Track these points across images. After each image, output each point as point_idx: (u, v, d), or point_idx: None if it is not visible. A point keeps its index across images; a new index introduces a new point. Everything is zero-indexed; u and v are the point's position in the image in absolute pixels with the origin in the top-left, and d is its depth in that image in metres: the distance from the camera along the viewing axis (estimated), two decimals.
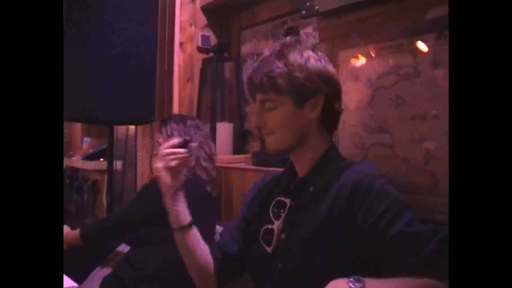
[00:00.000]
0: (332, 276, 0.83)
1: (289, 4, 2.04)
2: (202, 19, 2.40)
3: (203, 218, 1.48)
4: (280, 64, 0.98)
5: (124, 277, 1.57)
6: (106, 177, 2.15)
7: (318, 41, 1.56)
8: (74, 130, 3.45)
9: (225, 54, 2.32)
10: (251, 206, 1.14)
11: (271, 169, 1.21)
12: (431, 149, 1.19)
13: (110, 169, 2.09)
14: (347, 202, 0.93)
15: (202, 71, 2.35)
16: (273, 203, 1.08)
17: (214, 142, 1.90)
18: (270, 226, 1.06)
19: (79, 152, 3.15)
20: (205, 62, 2.35)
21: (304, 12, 1.49)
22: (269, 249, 1.04)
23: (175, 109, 2.28)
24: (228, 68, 2.41)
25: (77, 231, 1.70)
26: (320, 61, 1.00)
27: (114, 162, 2.15)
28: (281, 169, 1.16)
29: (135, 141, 2.54)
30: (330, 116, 1.03)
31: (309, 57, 0.99)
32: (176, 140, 1.04)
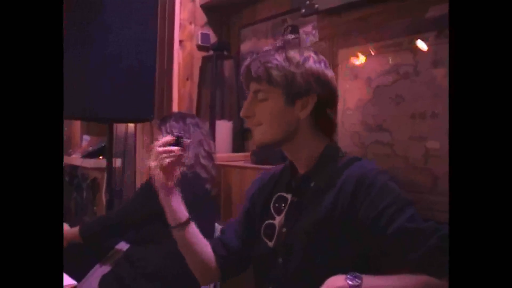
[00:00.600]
0: (332, 272, 0.83)
1: (289, 2, 2.04)
2: (201, 17, 2.39)
3: (203, 216, 1.48)
4: (279, 57, 0.99)
5: (123, 275, 1.57)
6: (105, 175, 2.15)
7: (318, 39, 1.55)
8: (74, 128, 3.45)
9: (225, 52, 2.32)
10: (253, 201, 1.15)
11: (270, 167, 1.21)
12: (430, 147, 1.19)
13: (110, 167, 2.09)
14: (351, 197, 0.94)
15: (202, 69, 2.35)
16: (274, 198, 1.09)
17: (214, 140, 1.91)
18: (271, 221, 1.06)
19: (79, 150, 3.15)
20: (204, 60, 2.35)
21: (303, 10, 1.49)
22: (270, 244, 1.05)
23: (175, 107, 2.28)
24: (227, 66, 2.41)
25: (76, 229, 1.70)
26: (319, 63, 1.01)
27: (114, 160, 2.15)
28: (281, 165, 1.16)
29: (135, 139, 2.54)
30: (323, 119, 1.03)
31: (309, 57, 1.00)
32: (168, 138, 1.03)
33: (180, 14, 2.30)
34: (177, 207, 1.06)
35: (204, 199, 1.69)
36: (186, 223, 1.06)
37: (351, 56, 1.41)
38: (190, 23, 2.35)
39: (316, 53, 1.03)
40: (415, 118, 1.23)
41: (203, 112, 2.30)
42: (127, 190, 2.56)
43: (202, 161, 1.70)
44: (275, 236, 1.04)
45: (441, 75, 1.17)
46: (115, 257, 1.78)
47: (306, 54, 1.01)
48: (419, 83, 1.22)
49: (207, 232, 1.19)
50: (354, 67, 1.40)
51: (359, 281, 0.81)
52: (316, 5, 1.45)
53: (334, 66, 1.40)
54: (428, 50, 1.21)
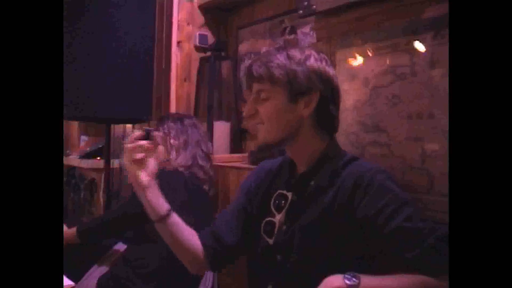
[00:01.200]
0: (331, 270, 0.84)
1: (287, 3, 2.04)
2: (199, 18, 2.40)
3: (200, 217, 1.48)
4: (280, 56, 1.00)
5: (121, 275, 1.57)
6: (103, 175, 2.15)
7: (315, 40, 1.56)
8: (71, 129, 3.44)
9: (223, 53, 2.32)
10: (249, 196, 1.14)
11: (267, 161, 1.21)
12: (427, 148, 1.20)
13: (107, 167, 2.08)
14: (349, 196, 0.94)
15: (200, 70, 2.35)
16: (274, 196, 1.09)
17: (212, 141, 1.91)
18: (271, 219, 1.07)
19: (76, 150, 3.14)
20: (202, 61, 2.35)
21: (301, 11, 1.50)
22: (270, 241, 1.05)
23: (172, 108, 2.29)
24: (225, 67, 2.41)
25: (73, 230, 1.69)
26: (321, 61, 1.01)
27: (111, 160, 2.14)
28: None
29: None
30: (325, 117, 1.03)
31: (310, 55, 1.01)
32: (137, 133, 1.03)
33: (178, 14, 2.31)
34: (155, 201, 1.04)
35: (202, 199, 1.69)
36: (167, 215, 1.04)
37: (348, 57, 1.41)
38: (188, 24, 2.36)
39: (317, 51, 1.04)
40: (412, 118, 1.24)
41: (201, 112, 2.30)
42: (124, 190, 2.56)
43: (200, 161, 1.70)
44: (275, 233, 1.05)
45: (438, 75, 1.17)
46: (113, 258, 1.78)
47: (307, 52, 1.01)
48: (416, 84, 1.23)
49: None
50: (352, 68, 1.40)
51: (357, 281, 0.81)
52: (314, 6, 1.45)
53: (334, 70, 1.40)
54: (425, 51, 1.22)
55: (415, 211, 0.90)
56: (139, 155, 1.00)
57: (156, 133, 1.03)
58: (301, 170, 1.06)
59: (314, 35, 1.64)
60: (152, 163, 1.03)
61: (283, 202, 1.06)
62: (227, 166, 1.95)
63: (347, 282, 0.81)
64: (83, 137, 3.19)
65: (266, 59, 1.00)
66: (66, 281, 1.19)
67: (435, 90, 1.18)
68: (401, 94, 1.26)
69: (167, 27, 2.29)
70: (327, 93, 1.01)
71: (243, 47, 2.37)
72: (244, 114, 1.05)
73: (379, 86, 1.32)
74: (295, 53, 1.00)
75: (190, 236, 1.09)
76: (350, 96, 1.40)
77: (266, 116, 1.01)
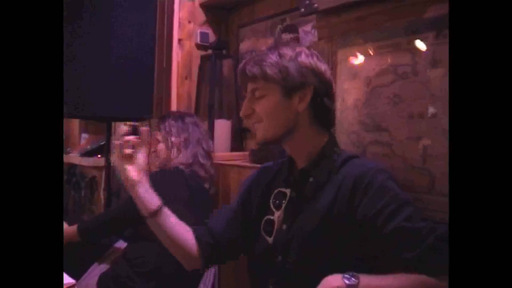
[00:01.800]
0: (330, 270, 0.84)
1: (288, 1, 2.04)
2: (201, 16, 2.39)
3: (201, 215, 1.49)
4: (272, 55, 1.01)
5: (121, 273, 1.57)
6: (103, 173, 2.15)
7: (316, 39, 1.56)
8: (72, 127, 3.45)
9: (224, 51, 2.32)
10: (250, 194, 1.15)
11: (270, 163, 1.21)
12: (428, 147, 1.20)
13: (108, 165, 2.08)
14: (349, 196, 0.95)
15: (201, 68, 2.35)
16: (274, 194, 1.09)
17: (212, 139, 1.90)
18: (270, 217, 1.07)
19: (77, 148, 3.14)
20: (203, 59, 2.35)
21: (302, 10, 1.49)
22: (270, 240, 1.05)
23: (173, 106, 2.28)
24: (226, 65, 2.41)
25: (74, 227, 1.69)
26: (312, 56, 1.03)
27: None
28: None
29: None
30: (321, 111, 1.04)
31: (301, 52, 1.03)
32: (124, 129, 1.03)
33: (179, 12, 2.30)
34: (146, 196, 1.04)
35: (203, 197, 1.69)
36: (158, 210, 1.05)
37: (350, 56, 1.41)
38: (189, 22, 2.35)
39: (308, 48, 1.06)
40: (414, 118, 1.24)
41: (202, 111, 2.30)
42: (125, 188, 2.56)
43: (201, 160, 1.70)
44: (274, 232, 1.05)
45: (440, 75, 1.17)
46: (113, 256, 1.78)
47: (298, 49, 1.03)
48: (418, 83, 1.23)
49: None
50: (353, 67, 1.40)
51: (356, 281, 0.81)
52: (315, 5, 1.45)
53: (333, 66, 1.40)
54: (426, 50, 1.21)
55: (415, 211, 0.90)
56: (127, 151, 1.02)
57: (143, 128, 1.03)
58: (300, 166, 1.06)
59: (316, 34, 1.63)
60: (141, 159, 1.03)
61: (282, 200, 1.06)
62: (227, 165, 1.95)
63: (347, 282, 0.81)
64: (84, 135, 3.19)
65: (259, 59, 1.02)
66: (67, 279, 1.19)
67: (437, 89, 1.18)
68: (402, 94, 1.26)
69: (168, 25, 2.29)
70: (321, 87, 1.03)
71: (244, 46, 2.37)
72: (240, 114, 1.06)
73: (381, 85, 1.32)
74: (286, 51, 1.02)
75: (184, 231, 1.09)
76: (351, 95, 1.39)
77: (264, 113, 1.02)
